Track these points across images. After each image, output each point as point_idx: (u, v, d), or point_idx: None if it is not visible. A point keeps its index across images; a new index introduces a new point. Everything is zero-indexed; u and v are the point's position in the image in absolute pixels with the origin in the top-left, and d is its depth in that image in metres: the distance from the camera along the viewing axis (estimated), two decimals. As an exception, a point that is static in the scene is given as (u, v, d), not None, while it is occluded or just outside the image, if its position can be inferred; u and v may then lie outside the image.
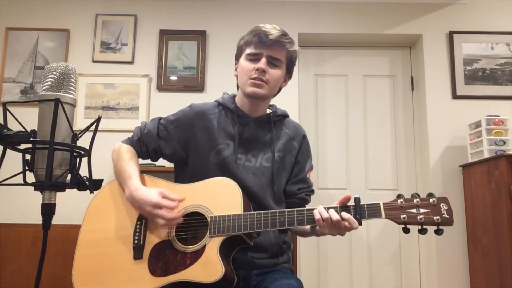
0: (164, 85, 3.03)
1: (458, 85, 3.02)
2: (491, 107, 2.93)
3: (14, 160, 1.21)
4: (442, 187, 2.89)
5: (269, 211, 1.17)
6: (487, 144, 2.61)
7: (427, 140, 2.99)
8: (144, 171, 1.36)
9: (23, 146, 1.13)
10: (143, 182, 1.29)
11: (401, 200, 1.11)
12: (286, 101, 2.46)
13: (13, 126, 1.11)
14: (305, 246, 3.02)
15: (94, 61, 3.05)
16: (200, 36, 3.08)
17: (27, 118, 1.13)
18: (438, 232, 1.07)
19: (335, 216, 1.11)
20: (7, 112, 1.12)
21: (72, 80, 1.16)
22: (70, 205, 2.20)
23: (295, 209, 1.16)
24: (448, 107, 3.00)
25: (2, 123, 1.09)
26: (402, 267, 3.03)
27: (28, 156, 1.12)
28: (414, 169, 3.14)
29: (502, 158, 2.44)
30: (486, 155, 2.60)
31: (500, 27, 3.09)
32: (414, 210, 1.09)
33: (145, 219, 1.23)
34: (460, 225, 2.83)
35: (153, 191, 1.20)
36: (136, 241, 1.21)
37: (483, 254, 2.62)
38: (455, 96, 3.01)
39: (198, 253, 1.14)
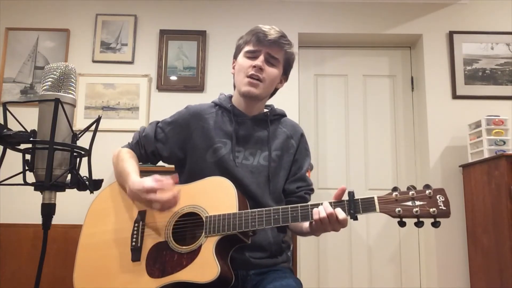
0: (164, 85, 3.03)
1: (458, 85, 3.01)
2: (491, 107, 2.93)
3: (14, 160, 1.21)
4: (442, 187, 2.88)
5: (264, 209, 1.17)
6: (487, 144, 2.61)
7: (427, 140, 2.99)
8: (143, 171, 1.36)
9: (23, 146, 1.14)
10: None
11: (396, 193, 1.07)
12: (286, 101, 2.46)
13: (13, 126, 1.12)
14: (305, 246, 3.01)
15: (94, 61, 3.05)
16: (200, 36, 3.08)
17: (27, 118, 1.13)
18: (435, 224, 1.05)
19: (330, 213, 1.10)
20: (7, 112, 1.12)
21: (72, 80, 1.16)
22: (70, 205, 2.20)
23: (289, 206, 1.16)
24: (448, 107, 3.00)
25: (2, 123, 1.09)
26: (402, 267, 3.03)
27: (28, 156, 1.12)
28: (414, 169, 3.14)
29: (502, 158, 2.44)
30: (486, 155, 2.60)
31: (500, 27, 3.09)
32: (409, 203, 1.06)
33: (142, 221, 1.23)
34: (460, 225, 2.83)
35: (146, 178, 1.18)
36: (134, 243, 1.21)
37: (483, 254, 2.62)
38: (455, 96, 3.01)
39: (194, 254, 1.14)
